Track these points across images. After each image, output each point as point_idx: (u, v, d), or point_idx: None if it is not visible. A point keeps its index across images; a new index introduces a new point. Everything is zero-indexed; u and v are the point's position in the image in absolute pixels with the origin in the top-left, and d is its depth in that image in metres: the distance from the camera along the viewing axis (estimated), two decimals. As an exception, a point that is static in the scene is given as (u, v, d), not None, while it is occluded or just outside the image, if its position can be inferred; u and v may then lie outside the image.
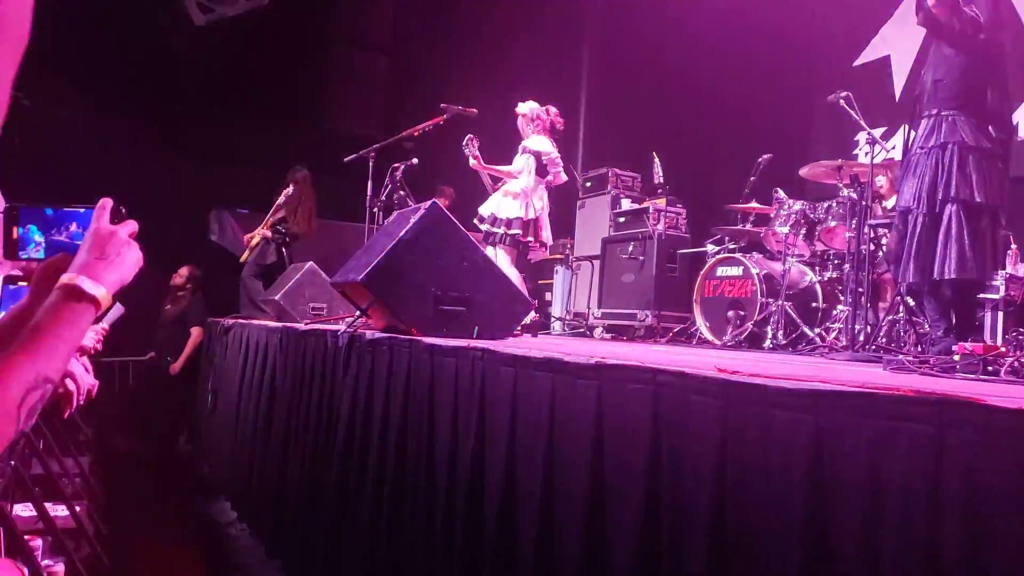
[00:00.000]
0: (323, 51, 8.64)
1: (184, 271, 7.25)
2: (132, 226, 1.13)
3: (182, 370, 6.99)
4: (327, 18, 8.62)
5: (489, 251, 4.68)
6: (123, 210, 1.13)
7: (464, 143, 5.11)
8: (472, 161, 5.09)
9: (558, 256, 7.59)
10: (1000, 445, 1.08)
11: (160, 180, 7.08)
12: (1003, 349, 2.50)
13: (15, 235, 1.29)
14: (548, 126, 5.15)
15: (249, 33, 7.70)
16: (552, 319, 7.23)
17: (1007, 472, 1.07)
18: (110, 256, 1.06)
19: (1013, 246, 4.59)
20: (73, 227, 1.23)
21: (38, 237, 1.30)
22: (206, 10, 7.44)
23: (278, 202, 6.73)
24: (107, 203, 1.13)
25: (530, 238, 4.95)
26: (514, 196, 4.97)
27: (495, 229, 4.94)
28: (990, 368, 2.30)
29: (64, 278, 0.99)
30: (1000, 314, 4.51)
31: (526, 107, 5.22)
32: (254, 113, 7.85)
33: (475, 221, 5.12)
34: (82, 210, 1.27)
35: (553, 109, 5.23)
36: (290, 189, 6.71)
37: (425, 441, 2.53)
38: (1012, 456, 1.07)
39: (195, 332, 7.09)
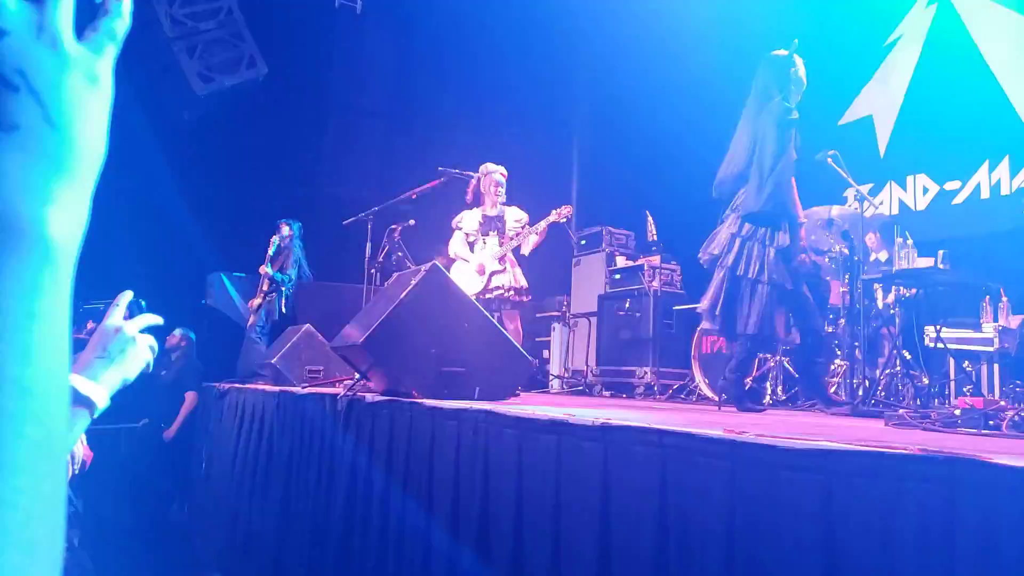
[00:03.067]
0: (320, 116, 8.83)
1: (177, 332, 7.23)
2: (145, 320, 1.13)
3: (176, 436, 6.90)
4: (324, 84, 8.85)
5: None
6: (142, 303, 1.13)
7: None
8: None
9: (555, 313, 7.61)
10: (1009, 503, 1.09)
11: (158, 245, 7.14)
12: (1003, 403, 2.51)
13: None
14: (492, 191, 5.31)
15: (248, 101, 7.88)
16: (550, 377, 7.21)
17: (1016, 529, 1.07)
18: (112, 354, 1.05)
19: (1004, 298, 4.65)
20: (90, 324, 1.22)
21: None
22: (207, 79, 7.63)
23: (268, 254, 6.78)
24: (124, 298, 1.13)
25: (528, 298, 5.19)
26: (501, 266, 5.23)
27: (491, 295, 5.16)
28: (991, 422, 2.30)
29: None
30: (996, 366, 4.55)
31: (497, 168, 5.39)
32: (253, 178, 7.97)
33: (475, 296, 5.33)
34: (101, 307, 1.25)
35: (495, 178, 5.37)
36: (279, 239, 6.79)
37: (428, 505, 2.50)
38: (1018, 513, 1.07)
39: (189, 397, 7.02)
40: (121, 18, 0.46)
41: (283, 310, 6.61)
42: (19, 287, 0.36)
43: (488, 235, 5.24)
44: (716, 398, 5.19)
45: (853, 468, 1.30)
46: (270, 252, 6.76)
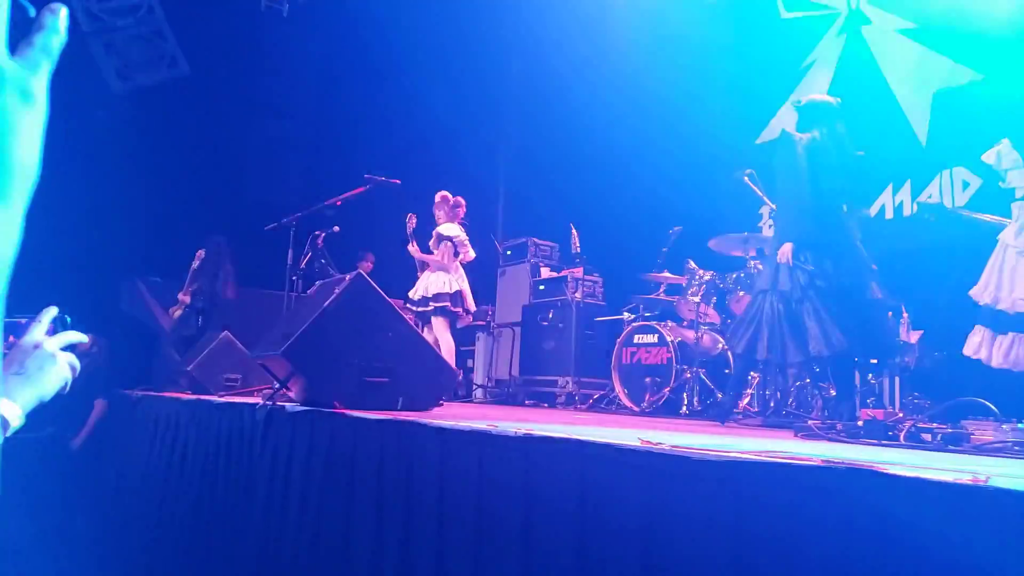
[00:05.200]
0: (244, 119, 8.60)
1: (88, 338, 6.88)
2: (68, 337, 1.08)
3: (84, 446, 6.55)
4: (248, 87, 8.62)
5: (425, 331, 5.23)
6: (68, 319, 1.08)
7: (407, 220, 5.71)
8: (410, 247, 5.72)
9: (480, 323, 7.63)
10: (903, 510, 1.17)
11: (70, 248, 6.79)
12: (901, 414, 2.66)
13: None
14: (458, 211, 5.78)
15: (169, 101, 7.61)
16: (474, 386, 7.21)
17: (909, 536, 1.14)
18: (29, 371, 1.01)
19: (905, 315, 4.93)
20: (11, 339, 1.15)
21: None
22: (124, 77, 7.33)
23: (193, 268, 6.56)
24: (47, 315, 1.08)
25: (458, 309, 5.41)
26: (437, 275, 5.53)
27: (426, 308, 5.43)
28: (891, 433, 2.45)
29: None
30: (896, 379, 4.83)
31: (439, 197, 5.82)
32: (172, 180, 7.69)
33: (407, 305, 5.52)
34: (23, 321, 1.18)
35: (460, 199, 5.84)
36: (203, 254, 6.56)
37: (348, 518, 2.46)
38: (911, 521, 1.15)
39: (98, 404, 6.68)
40: (57, 34, 0.45)
41: (200, 323, 6.41)
42: None
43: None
44: (635, 408, 5.32)
45: (761, 478, 1.36)
46: (194, 265, 6.55)
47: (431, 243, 5.66)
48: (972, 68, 5.86)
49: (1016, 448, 2.12)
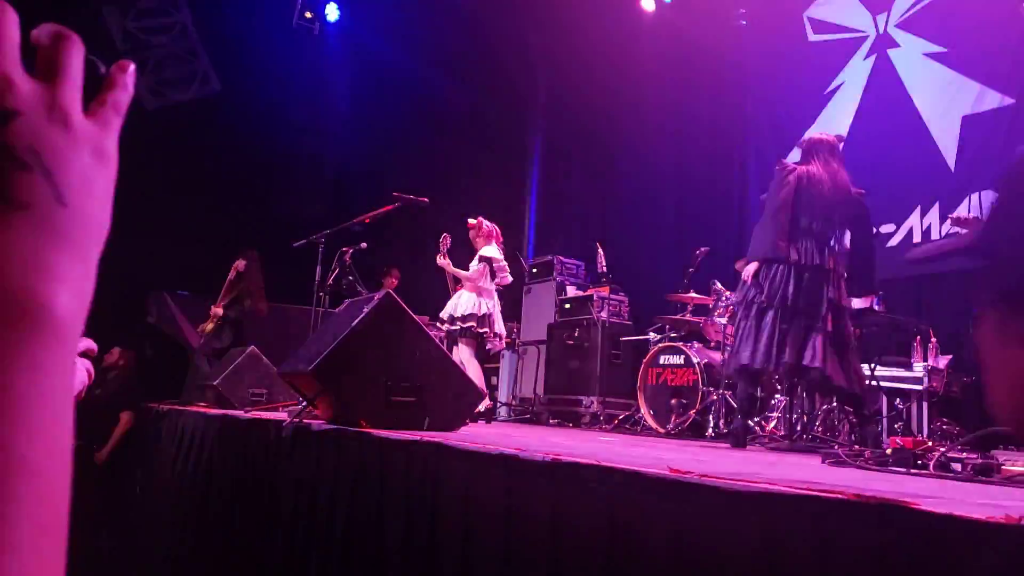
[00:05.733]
0: (273, 136, 8.75)
1: (116, 352, 7.00)
2: (81, 345, 1.10)
3: (109, 459, 6.64)
4: (279, 104, 8.78)
5: (453, 351, 5.24)
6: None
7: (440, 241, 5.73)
8: (440, 259, 5.68)
9: (505, 340, 7.65)
10: (932, 547, 1.16)
11: (100, 261, 6.93)
12: (930, 443, 2.63)
13: None
14: (495, 236, 5.80)
15: (200, 117, 7.77)
16: (498, 404, 7.22)
17: (940, 573, 1.14)
18: None
19: (933, 339, 4.87)
20: None
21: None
22: (157, 95, 7.51)
23: (230, 279, 6.65)
24: None
25: (485, 329, 5.41)
26: (468, 296, 5.52)
27: (454, 327, 5.44)
28: (919, 462, 2.41)
29: None
30: (924, 404, 4.76)
31: (476, 223, 5.82)
32: (202, 196, 7.83)
33: (436, 324, 5.57)
34: None
35: (496, 227, 5.88)
36: (242, 266, 6.66)
37: (374, 539, 2.48)
38: (942, 558, 1.14)
39: (124, 417, 6.78)
40: (127, 91, 0.46)
41: (232, 336, 6.49)
42: (28, 367, 0.36)
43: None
44: (660, 429, 5.29)
45: (792, 510, 1.36)
46: (231, 276, 6.65)
47: (470, 264, 5.70)
48: (1001, 92, 5.81)
49: (1049, 481, 2.09)
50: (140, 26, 7.71)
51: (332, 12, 9.23)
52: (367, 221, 5.52)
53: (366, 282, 6.47)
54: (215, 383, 5.20)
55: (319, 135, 9.19)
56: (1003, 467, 2.30)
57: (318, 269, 5.52)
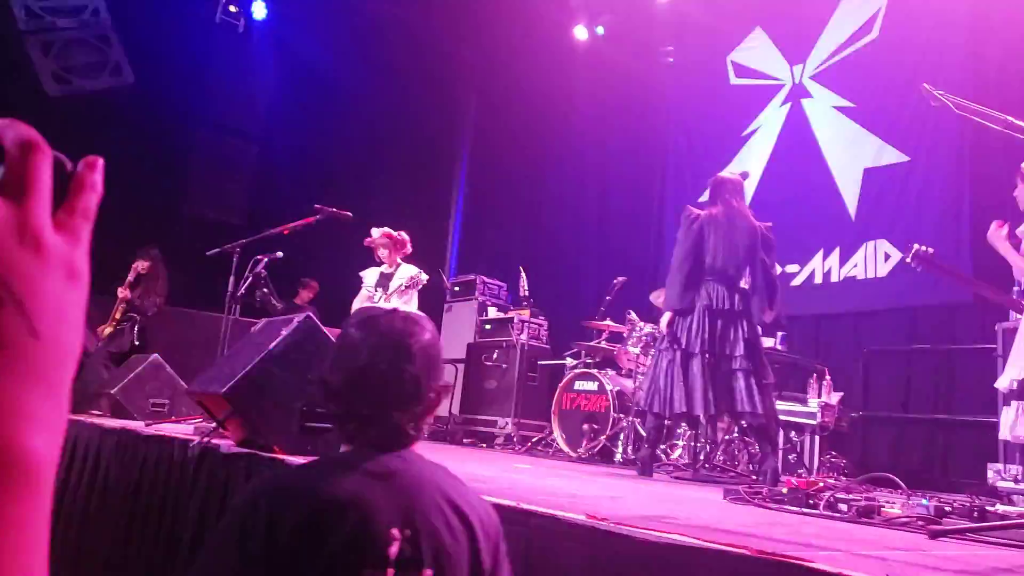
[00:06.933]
0: (189, 135, 8.44)
1: None
2: None
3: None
4: (197, 102, 8.47)
5: None
6: None
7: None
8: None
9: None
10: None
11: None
12: (821, 484, 2.80)
13: None
14: (404, 252, 5.37)
15: (109, 108, 7.40)
16: (410, 422, 7.16)
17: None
18: None
19: (828, 377, 5.17)
20: None
21: None
22: (62, 81, 7.12)
23: (128, 280, 6.35)
24: None
25: None
26: None
27: None
28: (811, 502, 2.58)
29: None
30: (816, 438, 5.05)
31: (384, 234, 5.34)
32: (107, 193, 7.45)
33: None
34: None
35: (405, 236, 5.41)
36: (144, 267, 6.36)
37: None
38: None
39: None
40: (96, 191, 0.43)
41: (135, 341, 6.18)
42: (5, 523, 0.35)
43: (377, 291, 5.27)
44: (572, 453, 5.40)
45: (699, 563, 1.44)
46: (131, 277, 6.33)
47: (396, 287, 5.20)
48: (898, 149, 6.25)
49: (919, 523, 2.29)
50: (46, 5, 7.29)
51: (259, 10, 8.99)
52: (285, 232, 5.40)
53: (281, 293, 6.32)
54: (112, 391, 4.96)
55: (240, 136, 8.91)
56: (882, 509, 2.49)
57: (231, 280, 5.35)
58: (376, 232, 5.38)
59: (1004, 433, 3.51)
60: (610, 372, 5.68)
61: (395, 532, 1.08)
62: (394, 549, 1.07)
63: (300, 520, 1.06)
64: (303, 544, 1.05)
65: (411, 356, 1.20)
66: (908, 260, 3.40)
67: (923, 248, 3.37)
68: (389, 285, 5.22)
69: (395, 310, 1.30)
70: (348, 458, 1.21)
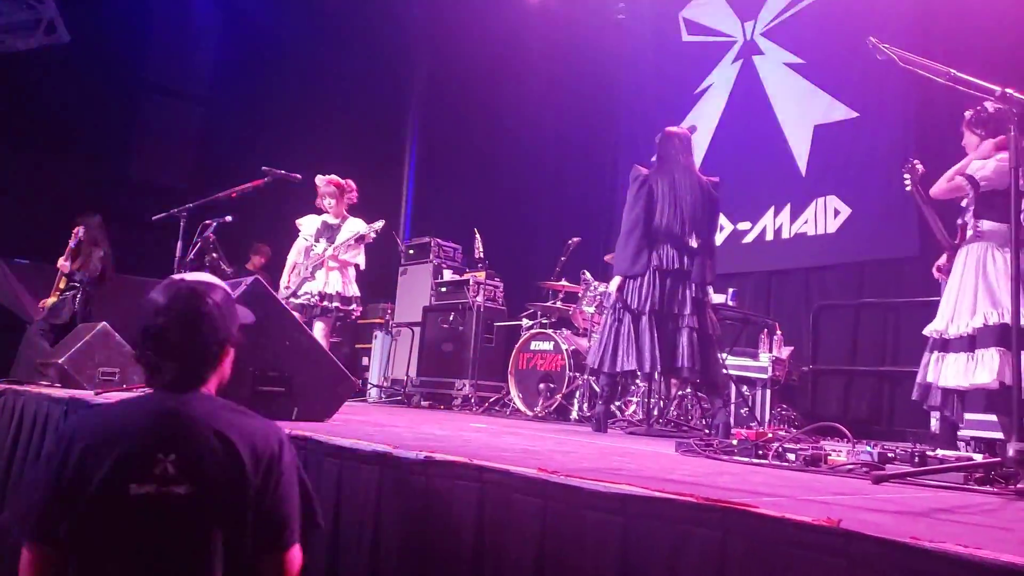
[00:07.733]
0: (132, 97, 8.12)
1: None
2: None
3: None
4: (138, 62, 8.15)
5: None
6: None
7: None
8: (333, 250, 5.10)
9: (378, 320, 7.56)
10: (767, 546, 1.30)
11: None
12: (770, 435, 2.88)
13: None
14: (349, 200, 5.25)
15: (45, 69, 7.08)
16: (369, 385, 7.15)
17: (775, 570, 1.27)
18: None
19: (779, 332, 5.29)
20: None
21: None
22: (-6, 40, 6.78)
23: (69, 248, 6.14)
24: None
25: (353, 307, 5.12)
26: (336, 274, 5.10)
27: (312, 303, 5.03)
28: (760, 452, 2.66)
29: None
30: (768, 392, 5.18)
31: (327, 182, 5.21)
32: (46, 157, 7.17)
33: (290, 298, 5.07)
34: None
35: (352, 183, 5.29)
36: (81, 234, 6.15)
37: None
38: (778, 557, 1.28)
39: (-51, 397, 6.16)
40: None
41: (76, 308, 6.00)
42: None
43: (319, 242, 5.15)
44: (529, 412, 5.46)
45: (647, 512, 1.47)
46: (71, 244, 6.11)
47: (344, 240, 5.10)
48: (847, 105, 6.33)
49: (864, 470, 2.37)
50: (-27, -40, 6.90)
51: (201, -34, 8.64)
52: (234, 196, 5.26)
53: (232, 258, 6.18)
54: (60, 360, 4.82)
55: (184, 98, 8.61)
56: (829, 457, 2.57)
57: (179, 245, 5.22)
58: (321, 180, 5.23)
59: (919, 377, 3.61)
60: (566, 332, 5.73)
61: (160, 456, 1.37)
62: (158, 470, 1.37)
63: (87, 444, 1.39)
64: (85, 463, 1.37)
65: (199, 316, 1.50)
66: (903, 173, 3.58)
67: (914, 163, 3.60)
68: (336, 238, 5.12)
69: (186, 279, 1.58)
70: (144, 398, 1.51)
